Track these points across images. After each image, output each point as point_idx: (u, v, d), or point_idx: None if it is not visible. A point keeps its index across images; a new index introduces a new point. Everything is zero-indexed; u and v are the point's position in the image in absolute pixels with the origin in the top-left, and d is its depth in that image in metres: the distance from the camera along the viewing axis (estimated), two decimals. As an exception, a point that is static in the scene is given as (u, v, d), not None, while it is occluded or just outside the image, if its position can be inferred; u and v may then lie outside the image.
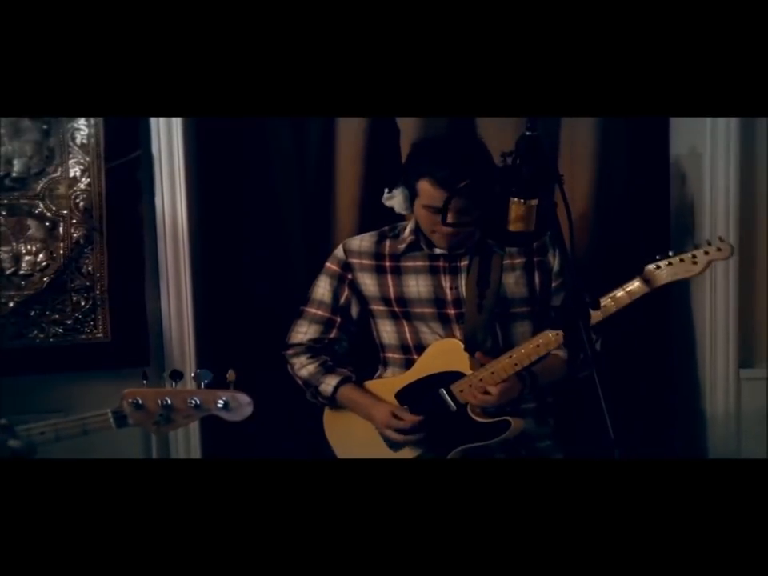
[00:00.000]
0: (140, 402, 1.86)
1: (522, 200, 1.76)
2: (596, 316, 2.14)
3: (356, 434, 2.44)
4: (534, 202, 1.77)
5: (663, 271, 2.17)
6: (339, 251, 2.48)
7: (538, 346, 2.23)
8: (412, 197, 2.31)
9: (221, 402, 1.88)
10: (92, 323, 2.72)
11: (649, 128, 3.00)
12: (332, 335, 2.49)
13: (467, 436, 2.31)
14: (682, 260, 2.17)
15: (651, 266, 2.18)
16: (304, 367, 2.47)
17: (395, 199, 2.34)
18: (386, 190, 2.37)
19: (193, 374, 1.90)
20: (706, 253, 2.16)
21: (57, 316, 2.69)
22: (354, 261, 2.44)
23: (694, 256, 2.16)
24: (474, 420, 2.30)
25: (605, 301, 2.17)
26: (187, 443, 2.89)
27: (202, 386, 1.89)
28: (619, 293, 2.18)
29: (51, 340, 2.69)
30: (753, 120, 2.84)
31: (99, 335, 2.73)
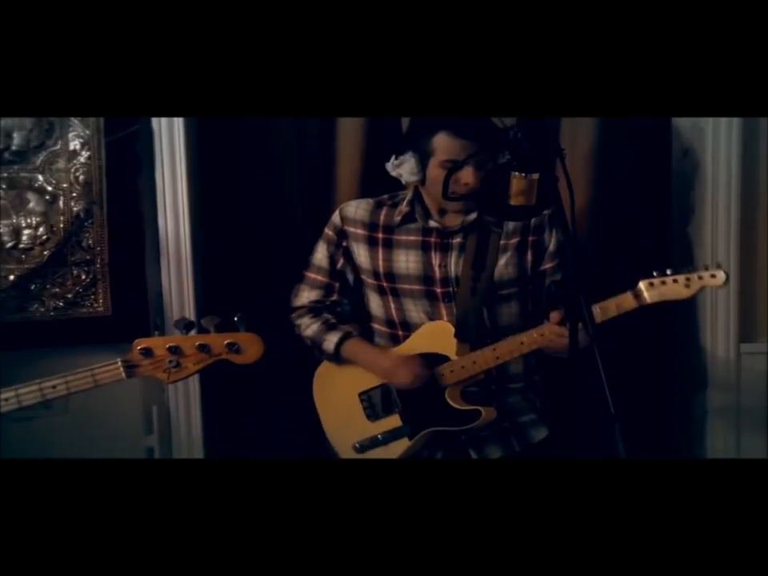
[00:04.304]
0: (149, 349, 1.89)
1: (524, 174, 1.76)
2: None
3: (337, 397, 2.48)
4: (536, 176, 1.76)
5: (655, 290, 2.14)
6: (336, 217, 2.46)
7: (522, 343, 2.24)
8: (424, 158, 2.26)
9: (231, 344, 1.90)
10: (92, 297, 2.72)
11: (650, 127, 2.97)
12: (333, 298, 2.50)
13: (440, 419, 2.33)
14: (675, 281, 2.13)
15: (644, 283, 2.15)
16: (308, 327, 2.47)
17: (405, 165, 2.29)
18: (393, 158, 2.32)
19: (202, 321, 1.91)
20: (700, 278, 2.13)
21: (57, 290, 2.70)
22: (349, 229, 2.43)
23: (687, 279, 2.13)
24: (448, 405, 2.31)
25: (593, 309, 2.14)
26: (189, 443, 2.91)
27: (211, 332, 1.91)
28: (609, 303, 2.16)
29: (51, 314, 2.70)
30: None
31: (99, 309, 2.73)
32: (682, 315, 3.05)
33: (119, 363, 1.89)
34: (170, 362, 1.89)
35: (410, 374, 2.31)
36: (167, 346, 1.89)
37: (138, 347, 1.89)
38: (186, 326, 1.90)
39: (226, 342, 1.90)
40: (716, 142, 2.90)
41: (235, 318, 1.91)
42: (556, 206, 1.78)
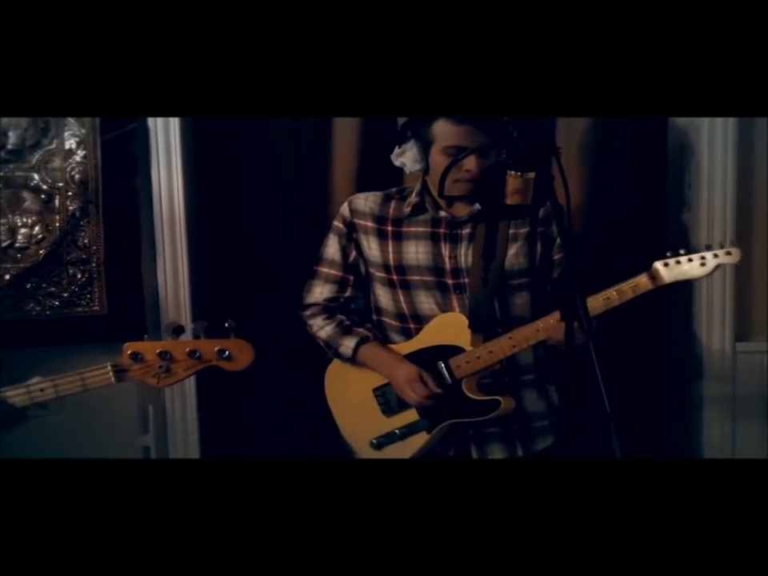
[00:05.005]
0: (139, 354, 1.87)
1: (519, 173, 1.76)
2: (597, 307, 2.15)
3: (351, 394, 2.46)
4: (531, 175, 1.76)
5: (671, 270, 2.15)
6: (345, 210, 2.44)
7: (538, 330, 2.23)
8: (426, 146, 2.26)
9: (221, 350, 1.89)
10: (88, 296, 2.72)
11: (646, 126, 2.97)
12: (347, 293, 2.47)
13: (458, 411, 2.32)
14: (690, 260, 2.14)
15: (659, 264, 2.15)
16: (322, 329, 2.45)
17: (407, 154, 2.28)
18: (396, 147, 2.32)
19: (192, 326, 1.91)
20: (716, 256, 2.14)
21: (53, 289, 2.70)
22: (359, 222, 2.41)
23: (702, 257, 2.14)
24: (466, 396, 2.30)
25: (608, 293, 2.16)
26: (185, 443, 2.91)
27: (202, 337, 1.89)
28: (624, 287, 2.17)
29: (47, 313, 2.70)
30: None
31: (95, 308, 2.73)
32: (678, 314, 3.06)
33: (109, 367, 1.87)
34: (160, 367, 1.87)
35: (418, 395, 2.30)
36: (158, 350, 1.87)
37: (128, 351, 1.87)
38: (175, 330, 1.89)
39: (216, 349, 1.89)
40: (712, 141, 2.91)
41: (226, 324, 1.89)
42: (554, 205, 1.78)
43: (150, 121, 2.75)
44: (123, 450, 2.81)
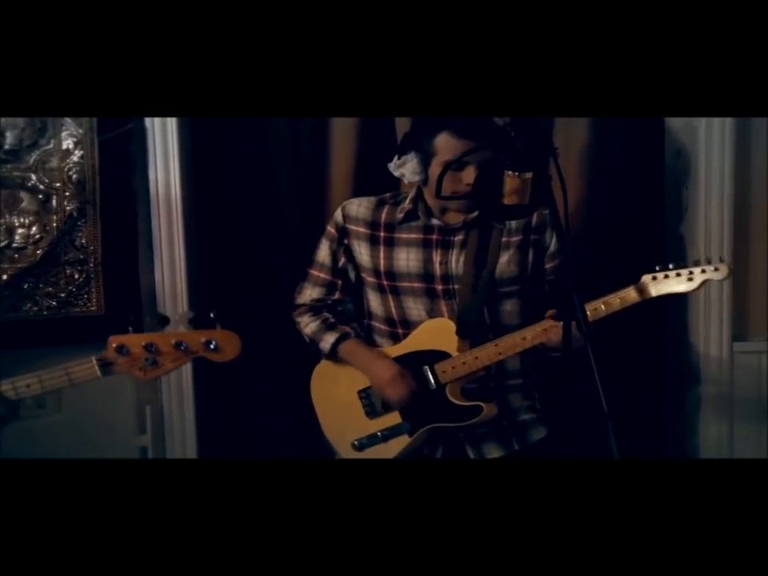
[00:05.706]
0: (125, 347, 1.85)
1: (517, 173, 1.76)
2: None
3: (336, 395, 2.47)
4: (529, 175, 1.76)
5: (659, 284, 2.16)
6: (338, 215, 2.45)
7: (524, 338, 2.24)
8: (427, 158, 2.26)
9: (208, 342, 1.87)
10: (85, 296, 2.72)
11: (644, 126, 2.97)
12: (335, 297, 2.49)
13: (441, 415, 2.33)
14: (678, 274, 2.15)
15: (647, 277, 2.17)
16: (307, 325, 2.47)
17: (407, 165, 2.28)
18: (395, 158, 2.31)
19: (178, 317, 1.90)
20: (703, 271, 2.15)
21: (50, 289, 2.69)
22: (351, 227, 2.42)
23: (690, 272, 2.15)
24: (449, 401, 2.31)
25: (596, 304, 2.17)
26: (183, 443, 2.91)
27: (188, 328, 1.88)
28: (612, 299, 2.18)
29: (45, 313, 2.69)
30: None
31: (93, 308, 2.73)
32: (675, 314, 3.06)
33: (94, 361, 1.85)
34: (147, 359, 1.85)
35: (401, 394, 2.32)
36: (143, 343, 1.85)
37: (114, 344, 1.85)
38: (159, 321, 1.88)
39: (203, 340, 1.87)
40: (709, 141, 2.91)
41: (211, 315, 1.88)
42: (552, 205, 1.78)
43: (148, 121, 2.74)
44: (121, 450, 2.81)
